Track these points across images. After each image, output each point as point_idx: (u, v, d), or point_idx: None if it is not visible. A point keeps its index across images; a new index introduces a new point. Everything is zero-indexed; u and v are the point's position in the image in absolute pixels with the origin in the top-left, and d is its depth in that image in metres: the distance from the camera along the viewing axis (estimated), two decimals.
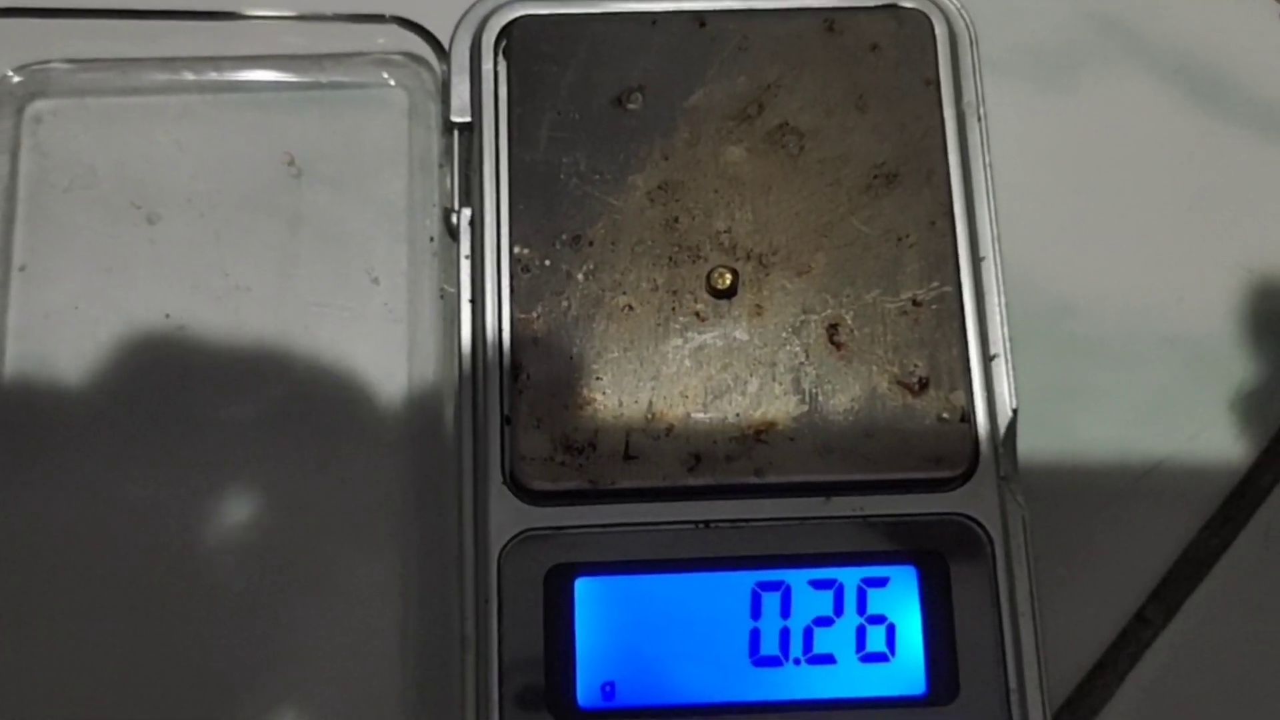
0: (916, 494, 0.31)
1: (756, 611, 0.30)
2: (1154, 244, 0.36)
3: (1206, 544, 0.34)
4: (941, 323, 0.31)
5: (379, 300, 0.34)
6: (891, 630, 0.30)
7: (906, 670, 0.30)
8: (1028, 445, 0.32)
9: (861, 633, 0.30)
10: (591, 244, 0.31)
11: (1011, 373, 0.32)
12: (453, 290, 0.33)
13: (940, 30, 0.33)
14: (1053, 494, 0.33)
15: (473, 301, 0.32)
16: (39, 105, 0.35)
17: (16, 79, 0.35)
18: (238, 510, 0.33)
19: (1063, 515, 0.33)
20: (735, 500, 0.30)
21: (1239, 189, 0.36)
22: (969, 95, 0.33)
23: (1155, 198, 0.36)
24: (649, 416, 0.30)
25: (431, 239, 0.34)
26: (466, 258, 0.32)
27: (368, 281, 0.34)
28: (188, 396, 0.33)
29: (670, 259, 0.31)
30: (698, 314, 0.31)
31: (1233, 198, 0.36)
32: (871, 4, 0.33)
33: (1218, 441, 0.34)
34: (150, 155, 0.35)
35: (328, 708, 0.32)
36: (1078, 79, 0.37)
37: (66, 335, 0.33)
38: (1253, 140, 0.36)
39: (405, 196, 0.35)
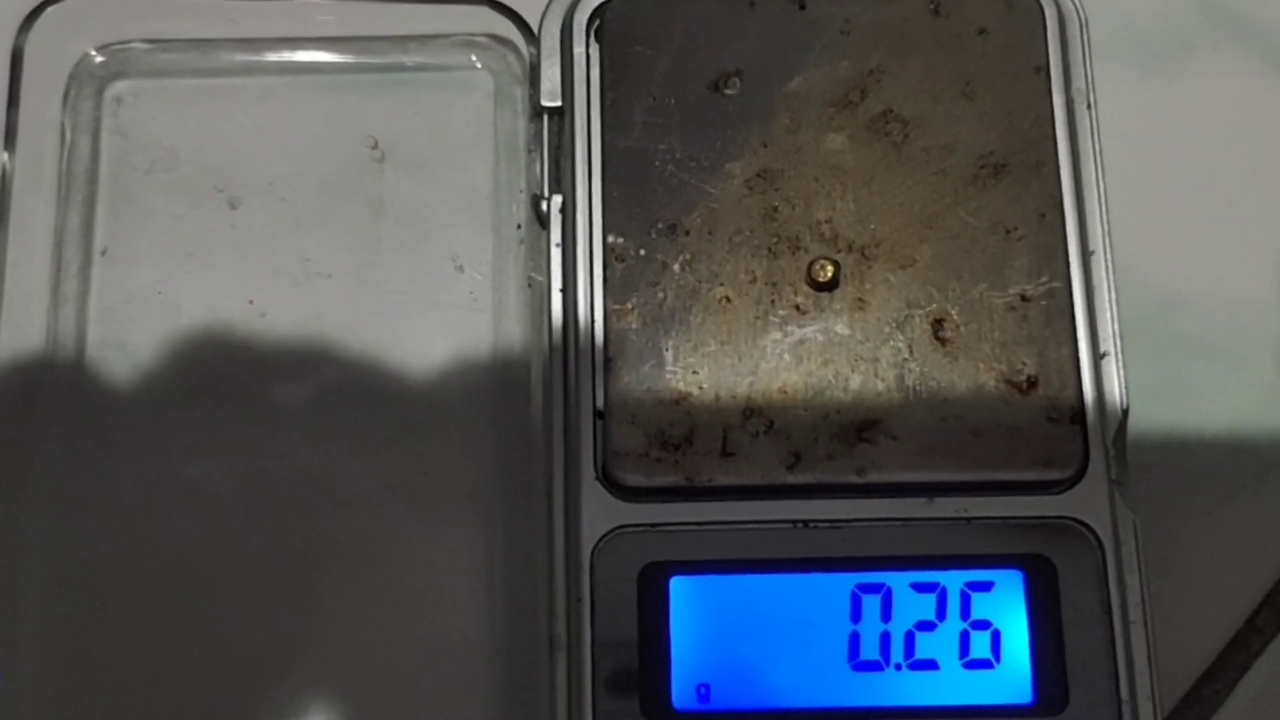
0: (1023, 496, 0.30)
1: (856, 614, 0.30)
2: (1263, 237, 0.35)
3: None
4: (1050, 319, 0.31)
5: (463, 289, 0.34)
6: (997, 636, 0.30)
7: (1012, 678, 0.29)
8: (1135, 446, 0.31)
9: (965, 638, 0.30)
10: (688, 233, 0.31)
11: (1123, 371, 0.31)
12: (541, 279, 0.32)
13: (1050, 14, 0.33)
14: (1161, 497, 0.32)
15: (563, 291, 0.31)
16: (119, 86, 0.35)
17: (99, 58, 0.35)
18: (317, 500, 0.32)
19: (1171, 519, 0.32)
20: (835, 500, 0.30)
21: None
22: (1079, 82, 0.32)
23: (1264, 189, 0.35)
24: (747, 412, 0.30)
25: (518, 226, 0.34)
26: (557, 245, 0.32)
27: (452, 269, 0.34)
28: (267, 383, 0.33)
29: (769, 250, 0.31)
30: (798, 307, 0.31)
31: None
32: None
33: None
34: (230, 138, 0.35)
35: (409, 704, 0.31)
36: (1184, 65, 0.36)
37: (147, 319, 0.33)
38: None
39: (490, 182, 0.34)
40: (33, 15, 0.34)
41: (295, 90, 0.35)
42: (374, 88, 0.35)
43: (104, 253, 0.34)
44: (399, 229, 0.34)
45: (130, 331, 0.33)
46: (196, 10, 0.35)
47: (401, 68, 0.35)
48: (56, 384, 0.33)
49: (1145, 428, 0.32)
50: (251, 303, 0.33)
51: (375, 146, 0.35)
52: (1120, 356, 0.31)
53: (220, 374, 0.33)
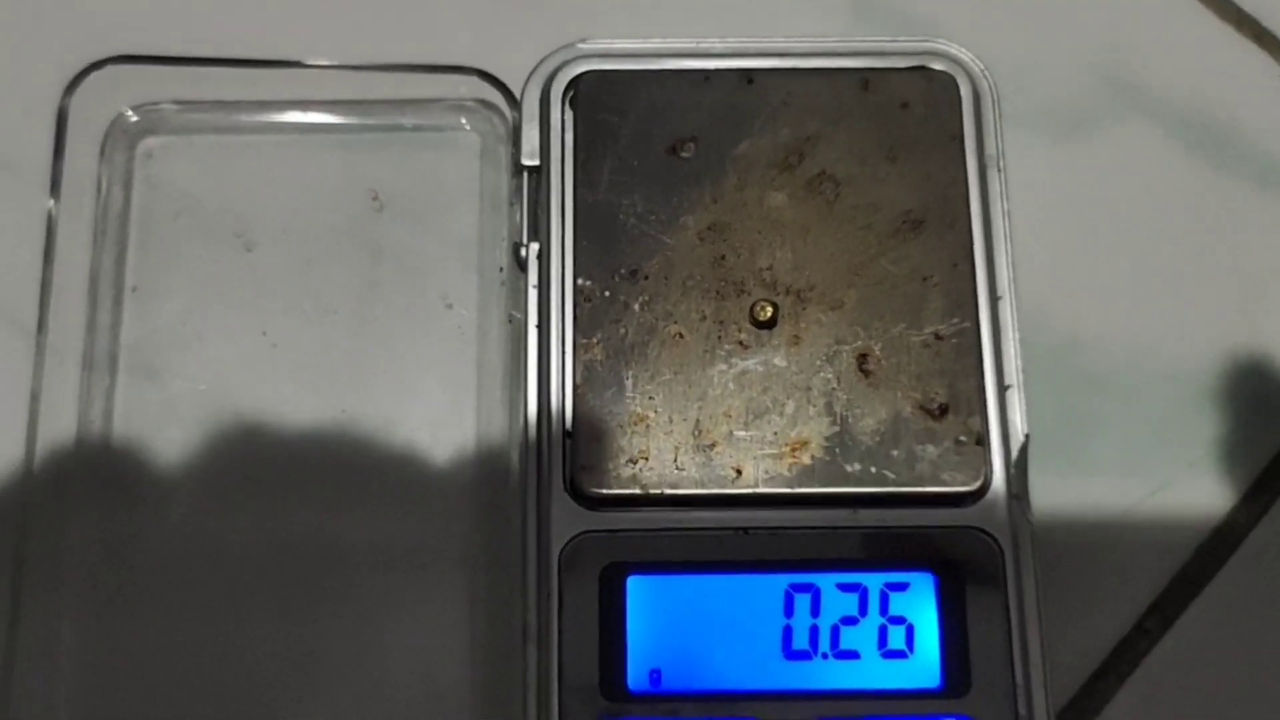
0: (935, 508, 0.33)
1: (789, 610, 0.33)
2: (1158, 286, 0.38)
3: (1201, 563, 0.36)
4: (961, 355, 0.34)
5: (452, 324, 0.37)
6: (911, 630, 0.33)
7: (923, 666, 0.32)
8: (1040, 468, 0.34)
9: (883, 632, 0.33)
10: (647, 278, 0.34)
11: (1024, 402, 0.34)
12: (520, 316, 0.35)
13: (965, 90, 0.36)
14: (1063, 513, 0.36)
15: (539, 327, 0.34)
16: (150, 142, 0.38)
17: (133, 117, 0.38)
18: (315, 508, 0.35)
19: (1072, 533, 0.36)
20: (772, 509, 0.33)
21: (1238, 236, 0.38)
22: (990, 149, 0.36)
23: (1160, 243, 0.38)
24: (696, 433, 0.33)
25: (501, 269, 0.37)
26: (534, 287, 0.35)
27: (442, 307, 0.37)
28: (277, 404, 0.36)
29: (717, 292, 0.34)
30: (741, 342, 0.34)
31: (1232, 244, 0.38)
32: (903, 65, 0.36)
33: (1213, 470, 0.37)
34: (249, 189, 0.37)
35: (398, 697, 0.34)
36: (1091, 133, 0.39)
37: (173, 348, 0.36)
38: (1252, 191, 0.39)
39: (477, 230, 0.37)
40: (77, 79, 0.36)
41: (306, 147, 0.38)
42: (375, 146, 0.38)
43: (134, 289, 0.37)
44: (396, 271, 0.37)
45: (157, 359, 0.36)
46: (220, 75, 0.37)
47: (400, 128, 0.38)
48: (90, 406, 0.36)
49: (1049, 452, 0.36)
50: (265, 334, 0.36)
51: (376, 198, 0.37)
52: (1022, 389, 0.34)
53: (237, 397, 0.36)
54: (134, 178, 0.38)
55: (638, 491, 0.33)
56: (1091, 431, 0.37)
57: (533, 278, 0.35)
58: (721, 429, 0.33)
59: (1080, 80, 0.40)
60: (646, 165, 0.35)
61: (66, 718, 0.34)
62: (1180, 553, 0.36)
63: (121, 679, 0.34)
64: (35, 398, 0.35)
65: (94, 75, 0.37)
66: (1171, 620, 0.36)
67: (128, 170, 0.38)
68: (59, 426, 0.35)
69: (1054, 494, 0.36)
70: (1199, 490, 0.37)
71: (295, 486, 0.36)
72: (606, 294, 0.34)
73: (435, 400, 0.36)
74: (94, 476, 0.36)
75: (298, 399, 0.36)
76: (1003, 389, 0.34)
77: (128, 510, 0.35)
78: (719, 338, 0.34)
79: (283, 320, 0.37)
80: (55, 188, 0.36)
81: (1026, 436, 0.34)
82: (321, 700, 0.34)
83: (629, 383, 0.34)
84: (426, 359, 0.36)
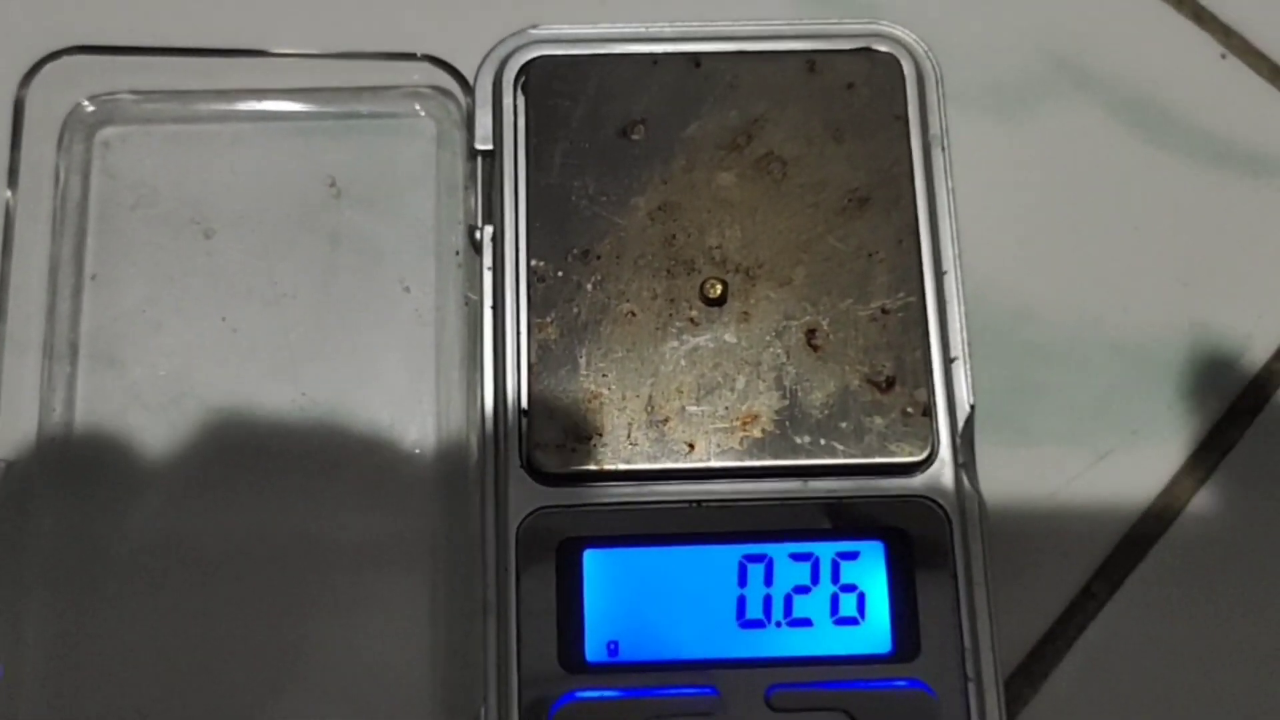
0: (883, 478, 0.34)
1: (743, 580, 0.33)
2: (1102, 260, 0.39)
3: (1145, 528, 0.37)
4: (907, 329, 0.35)
5: (409, 307, 0.37)
6: (862, 598, 0.33)
7: (875, 632, 0.33)
8: (987, 438, 0.35)
9: (835, 600, 0.33)
10: (599, 258, 0.35)
11: (969, 373, 0.35)
12: (476, 298, 0.35)
13: (909, 70, 0.37)
14: (1010, 482, 0.36)
15: (494, 308, 0.35)
16: (108, 132, 0.38)
17: (90, 108, 0.38)
18: (277, 492, 0.35)
19: (1018, 501, 0.36)
20: (724, 482, 0.33)
21: (1178, 211, 0.39)
22: (934, 128, 0.36)
23: (1103, 218, 0.39)
24: (649, 409, 0.34)
25: (457, 253, 0.37)
26: (489, 269, 0.35)
27: (400, 290, 0.37)
28: (238, 389, 0.36)
29: (668, 271, 0.35)
30: (692, 320, 0.34)
31: (1172, 219, 0.39)
32: (848, 47, 0.37)
33: (1157, 437, 0.37)
34: (206, 177, 0.37)
35: (359, 683, 0.35)
36: (1034, 111, 0.40)
37: (133, 336, 0.36)
38: (1191, 167, 0.40)
39: (433, 215, 0.37)
40: (33, 70, 0.36)
41: (264, 135, 0.38)
42: (332, 133, 0.38)
43: (94, 278, 0.37)
44: (354, 256, 0.37)
45: (118, 347, 0.36)
46: (177, 65, 0.37)
47: (356, 115, 0.38)
48: (52, 394, 0.36)
49: (996, 421, 0.36)
50: (225, 320, 0.36)
51: (333, 185, 0.37)
52: (968, 360, 0.35)
53: (196, 383, 0.36)
54: (92, 168, 0.38)
55: (593, 467, 0.33)
56: (1036, 402, 0.37)
57: (488, 260, 0.35)
58: (674, 404, 0.34)
59: (1023, 59, 0.40)
60: (598, 148, 0.35)
61: (30, 713, 0.34)
62: (1124, 519, 0.37)
63: (87, 669, 0.34)
64: None
65: (51, 66, 0.37)
66: (1117, 585, 0.37)
67: (86, 160, 0.38)
68: (21, 415, 0.36)
69: (1000, 463, 0.36)
70: (1142, 459, 0.37)
71: (257, 472, 0.36)
72: (560, 274, 0.35)
73: (395, 382, 0.37)
74: (56, 464, 0.36)
75: (258, 384, 0.36)
76: (948, 361, 0.35)
77: (91, 498, 0.36)
78: (670, 315, 0.34)
79: (242, 306, 0.37)
80: (13, 178, 0.36)
81: (972, 407, 0.35)
82: (284, 686, 0.35)
83: (583, 361, 0.34)
84: (385, 342, 0.37)
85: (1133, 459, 0.37)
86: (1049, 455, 0.37)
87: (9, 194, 0.36)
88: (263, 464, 0.36)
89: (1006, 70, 0.40)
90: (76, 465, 0.36)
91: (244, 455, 0.36)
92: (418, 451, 0.36)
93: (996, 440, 0.37)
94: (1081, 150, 0.40)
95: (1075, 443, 0.37)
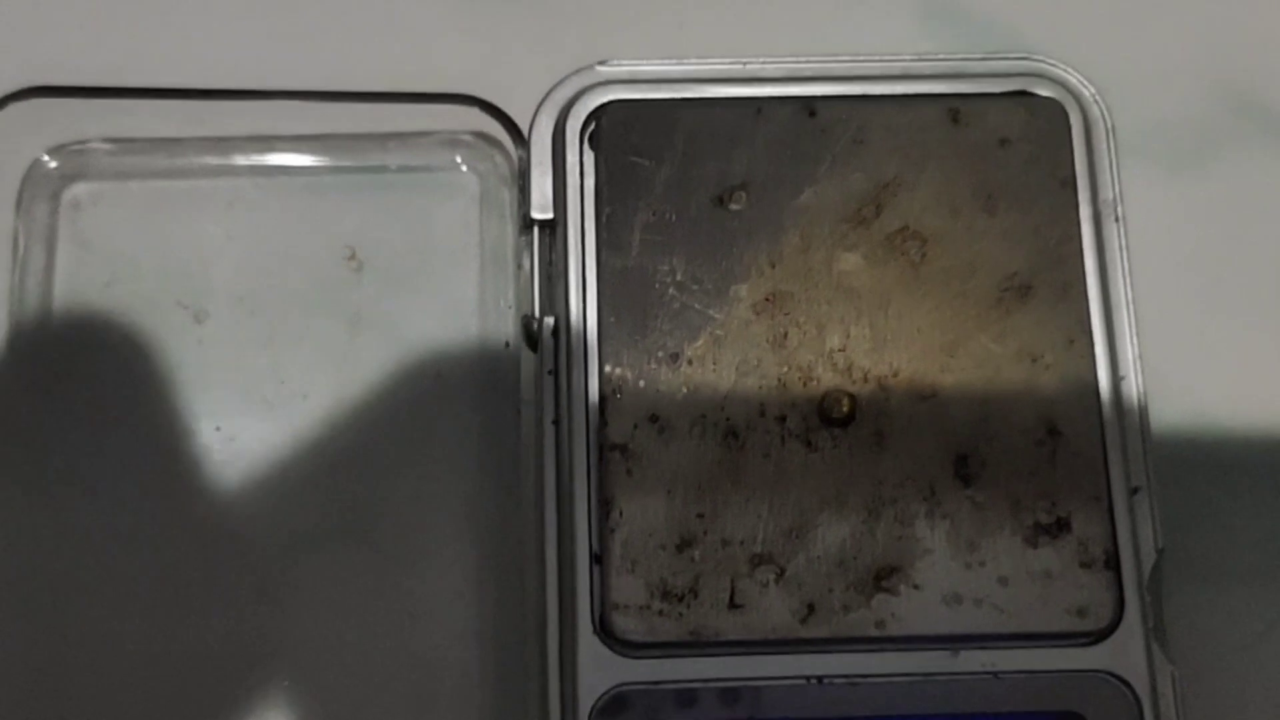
0: (1054, 648, 0.29)
1: None
2: None
3: None
4: (1080, 454, 0.29)
5: (448, 411, 0.32)
6: None
7: None
8: (1169, 586, 0.30)
9: None
10: (690, 363, 0.30)
11: (1156, 508, 0.29)
12: (532, 406, 0.30)
13: (1075, 121, 0.32)
14: (1198, 641, 0.31)
15: (556, 423, 0.30)
16: (77, 189, 0.34)
17: (52, 163, 0.33)
18: (297, 647, 0.31)
19: (1207, 660, 0.31)
20: (853, 654, 0.29)
21: None
22: (1106, 193, 0.31)
23: None
24: (756, 559, 0.29)
25: (507, 344, 0.32)
26: (550, 374, 0.30)
27: (435, 389, 0.32)
28: (240, 516, 0.31)
29: (779, 381, 0.30)
30: (810, 443, 0.29)
31: None
32: (998, 90, 0.32)
33: None
34: (198, 246, 0.33)
35: None
36: (1212, 164, 0.34)
37: (106, 449, 0.32)
38: None
39: (477, 294, 0.33)
40: None
41: (267, 194, 0.34)
42: (351, 191, 0.34)
43: (60, 375, 0.32)
44: (379, 345, 0.33)
45: (85, 464, 0.31)
46: (161, 108, 0.33)
47: (381, 169, 0.34)
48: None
49: (1178, 564, 0.31)
50: (218, 429, 0.32)
51: (353, 256, 0.33)
52: (1153, 491, 0.29)
53: (186, 512, 0.31)
54: (58, 234, 0.34)
55: (685, 635, 0.28)
56: (1229, 538, 0.32)
57: (548, 361, 0.31)
58: (788, 555, 0.29)
59: (1196, 98, 0.35)
60: (687, 220, 0.31)
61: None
62: None
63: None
64: None
65: (8, 109, 0.33)
66: None
67: (50, 225, 0.34)
68: None
69: (1185, 615, 0.31)
70: None
71: (268, 616, 0.31)
72: (641, 384, 0.30)
73: (429, 507, 0.32)
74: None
75: (260, 506, 0.32)
76: (1131, 494, 0.29)
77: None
78: (782, 439, 0.29)
79: (241, 410, 0.33)
80: None
81: (1160, 552, 0.29)
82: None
83: (671, 496, 0.29)
84: (417, 454, 0.32)
85: None
86: (1240, 599, 0.31)
87: None
88: (268, 607, 0.31)
89: (1175, 112, 0.35)
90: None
91: (248, 593, 0.31)
92: (459, 602, 0.31)
93: (1178, 589, 0.30)
94: (1270, 206, 0.34)
95: (1272, 580, 0.31)
